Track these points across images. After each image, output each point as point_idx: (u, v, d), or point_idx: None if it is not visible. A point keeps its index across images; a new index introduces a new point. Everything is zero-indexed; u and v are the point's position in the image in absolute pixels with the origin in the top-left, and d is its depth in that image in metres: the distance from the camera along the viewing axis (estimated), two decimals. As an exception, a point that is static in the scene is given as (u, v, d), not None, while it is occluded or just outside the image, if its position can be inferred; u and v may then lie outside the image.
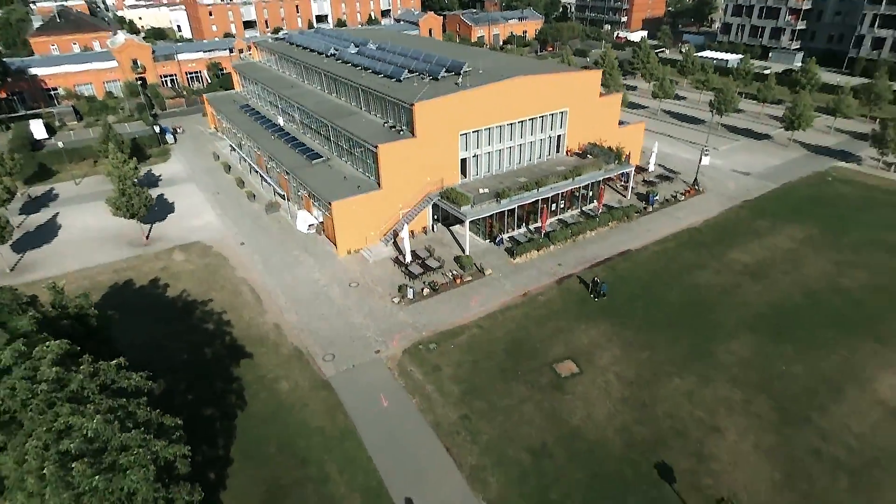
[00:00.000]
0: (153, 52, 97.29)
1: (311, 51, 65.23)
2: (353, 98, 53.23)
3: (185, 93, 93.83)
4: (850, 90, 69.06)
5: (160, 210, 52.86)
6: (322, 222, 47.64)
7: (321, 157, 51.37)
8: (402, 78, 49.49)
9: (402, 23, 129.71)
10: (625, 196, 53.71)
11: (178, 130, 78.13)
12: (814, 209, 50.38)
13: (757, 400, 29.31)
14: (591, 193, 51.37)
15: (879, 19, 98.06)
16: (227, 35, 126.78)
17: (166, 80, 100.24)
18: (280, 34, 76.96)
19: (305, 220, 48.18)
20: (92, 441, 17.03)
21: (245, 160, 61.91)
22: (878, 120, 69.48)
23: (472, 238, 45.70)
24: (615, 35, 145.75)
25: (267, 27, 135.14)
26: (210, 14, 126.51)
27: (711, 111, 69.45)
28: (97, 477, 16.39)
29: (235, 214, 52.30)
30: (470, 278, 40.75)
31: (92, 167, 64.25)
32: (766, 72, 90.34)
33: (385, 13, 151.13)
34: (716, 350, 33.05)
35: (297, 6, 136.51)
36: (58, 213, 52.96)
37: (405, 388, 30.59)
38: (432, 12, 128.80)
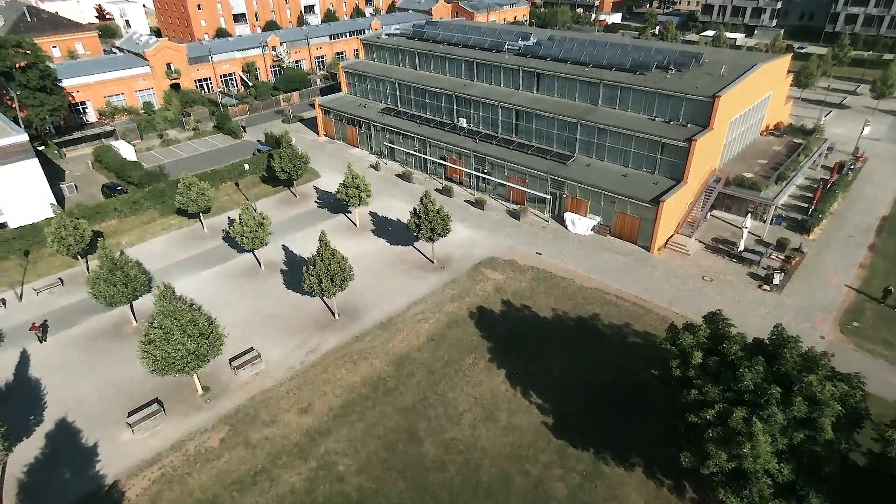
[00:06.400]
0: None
1: (469, 47, 62.01)
2: (579, 94, 52.00)
3: (249, 97, 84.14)
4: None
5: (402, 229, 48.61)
6: (602, 223, 47.17)
7: (569, 156, 50.38)
8: (648, 72, 49.75)
9: (409, 11, 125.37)
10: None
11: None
12: (966, 163, 59.28)
13: None
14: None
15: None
16: (221, 31, 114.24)
17: (199, 85, 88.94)
18: (392, 30, 71.46)
19: (585, 222, 47.36)
20: None
21: (433, 166, 58.65)
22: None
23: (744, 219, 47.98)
24: (593, 19, 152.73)
25: (257, 20, 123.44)
26: (199, 7, 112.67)
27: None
28: None
29: (483, 224, 49.72)
30: (798, 259, 43.24)
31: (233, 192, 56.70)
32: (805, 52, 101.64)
33: (368, 2, 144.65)
34: None
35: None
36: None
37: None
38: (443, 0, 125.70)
